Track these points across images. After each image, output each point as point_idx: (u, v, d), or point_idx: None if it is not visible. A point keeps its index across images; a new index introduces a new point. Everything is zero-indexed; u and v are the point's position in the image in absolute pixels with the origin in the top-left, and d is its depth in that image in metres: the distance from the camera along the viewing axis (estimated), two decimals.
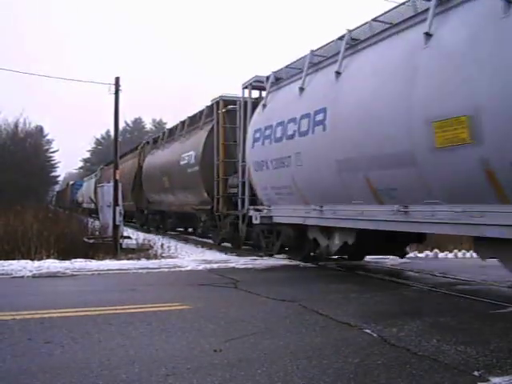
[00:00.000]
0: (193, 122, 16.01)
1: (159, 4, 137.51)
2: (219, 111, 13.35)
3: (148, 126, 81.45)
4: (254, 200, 11.22)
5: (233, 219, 12.62)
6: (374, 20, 7.58)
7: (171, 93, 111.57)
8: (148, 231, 20.13)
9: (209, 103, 14.27)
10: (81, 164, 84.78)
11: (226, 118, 13.18)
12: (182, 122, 17.09)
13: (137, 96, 59.49)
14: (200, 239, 16.33)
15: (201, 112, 15.16)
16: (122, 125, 50.43)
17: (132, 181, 22.68)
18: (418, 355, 3.82)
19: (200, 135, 14.52)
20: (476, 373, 3.42)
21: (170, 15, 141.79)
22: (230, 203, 12.85)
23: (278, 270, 9.21)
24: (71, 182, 54.86)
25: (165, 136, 19.37)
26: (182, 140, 16.54)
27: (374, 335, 4.40)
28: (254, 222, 10.55)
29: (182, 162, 15.40)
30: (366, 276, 8.21)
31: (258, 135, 10.33)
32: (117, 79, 12.57)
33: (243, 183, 11.73)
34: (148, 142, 22.77)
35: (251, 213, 10.84)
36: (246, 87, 12.13)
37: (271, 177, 9.81)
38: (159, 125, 72.89)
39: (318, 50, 9.02)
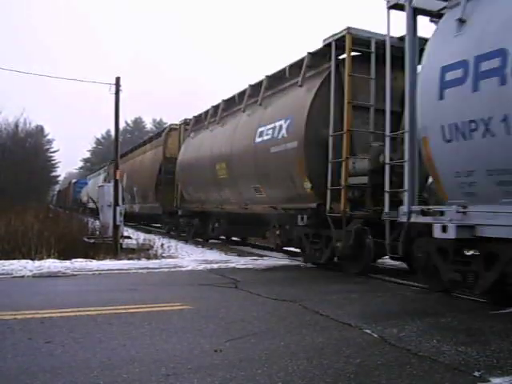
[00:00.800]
0: (277, 81, 10.74)
1: (159, 4, 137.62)
2: (345, 54, 8.57)
3: (148, 125, 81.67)
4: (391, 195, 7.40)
5: (359, 226, 8.14)
6: None
7: (172, 93, 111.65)
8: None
9: (319, 45, 9.15)
10: (81, 164, 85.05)
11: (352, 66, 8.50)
12: (255, 85, 11.61)
13: (137, 96, 59.48)
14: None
15: (295, 65, 9.96)
16: (122, 125, 50.54)
17: (155, 176, 18.35)
18: (419, 355, 3.82)
19: (300, 95, 9.45)
20: (476, 373, 3.42)
21: (169, 15, 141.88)
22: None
23: (279, 271, 9.21)
24: (73, 181, 53.03)
25: (219, 110, 13.64)
26: (255, 109, 11.37)
27: (375, 335, 4.40)
28: (439, 235, 6.10)
29: (258, 140, 10.47)
30: (366, 276, 8.20)
31: (456, 75, 5.87)
32: (117, 79, 12.58)
33: (396, 168, 7.38)
34: (174, 127, 17.88)
35: (417, 218, 6.63)
36: (393, 6, 7.23)
37: (494, 150, 5.45)
38: (159, 125, 72.96)
39: None
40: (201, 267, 9.33)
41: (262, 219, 11.89)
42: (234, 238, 16.10)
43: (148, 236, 14.73)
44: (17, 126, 43.58)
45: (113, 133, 16.11)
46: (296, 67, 9.85)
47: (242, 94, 12.39)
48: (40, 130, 55.61)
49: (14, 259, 9.29)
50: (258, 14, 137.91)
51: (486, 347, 4.01)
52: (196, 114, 15.87)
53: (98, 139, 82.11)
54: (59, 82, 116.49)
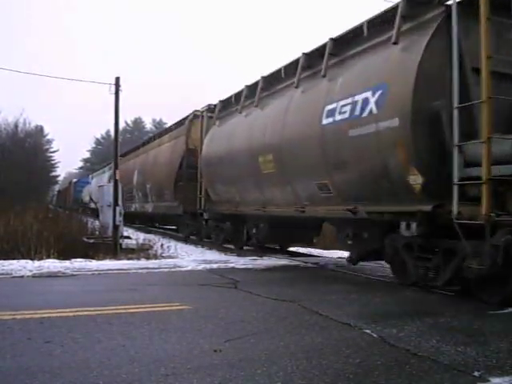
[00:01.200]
0: (347, 45, 8.28)
1: (159, 4, 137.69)
2: None
3: (148, 125, 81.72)
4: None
5: (509, 238, 5.66)
6: None
7: (172, 93, 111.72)
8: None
9: None
10: (81, 164, 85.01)
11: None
12: (312, 53, 9.10)
13: (137, 96, 59.46)
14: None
15: (376, 19, 7.64)
16: (122, 125, 50.37)
17: (175, 171, 15.92)
18: (418, 356, 3.81)
19: (396, 55, 7.01)
20: (476, 373, 3.42)
21: (169, 15, 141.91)
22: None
23: (278, 271, 9.21)
24: (74, 180, 51.57)
25: (257, 89, 10.89)
26: (315, 83, 8.80)
27: (374, 335, 4.40)
28: None
29: (326, 121, 7.95)
30: (366, 276, 8.21)
31: None
32: (117, 79, 12.61)
33: None
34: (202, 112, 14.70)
35: None
36: None
37: None
38: (159, 125, 73.02)
39: None
40: (200, 267, 9.33)
41: (311, 223, 10.14)
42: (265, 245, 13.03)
43: (148, 236, 14.74)
44: (16, 126, 43.62)
45: (112, 133, 16.06)
46: (379, 22, 7.56)
47: (291, 65, 9.71)
48: (40, 130, 55.66)
49: (13, 259, 9.30)
50: (257, 14, 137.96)
51: (485, 347, 4.01)
52: (223, 98, 13.21)
53: (97, 139, 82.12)
54: (59, 82, 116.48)
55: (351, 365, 3.60)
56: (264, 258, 10.86)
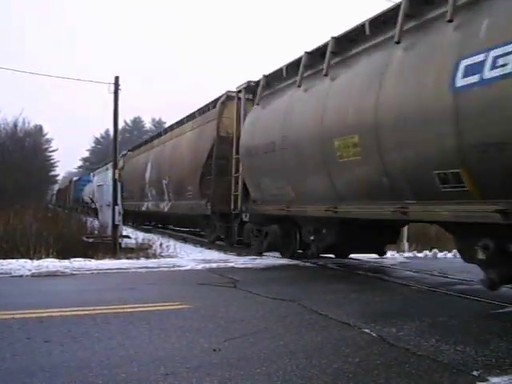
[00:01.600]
0: None
1: (160, 3, 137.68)
2: None
3: (147, 125, 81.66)
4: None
5: None
6: None
7: (171, 93, 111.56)
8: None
9: None
10: (80, 163, 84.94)
11: None
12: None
13: (136, 96, 59.45)
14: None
15: None
16: (121, 124, 50.36)
17: (201, 165, 13.31)
18: (417, 355, 3.82)
19: None
20: (475, 372, 3.43)
21: (170, 15, 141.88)
22: None
23: (278, 270, 9.21)
24: (75, 178, 50.16)
25: (326, 54, 8.31)
26: (433, 31, 6.27)
27: (374, 335, 4.40)
28: None
29: (464, 82, 5.43)
30: (366, 276, 8.21)
31: None
32: (116, 79, 12.61)
33: None
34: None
35: None
36: None
37: None
38: (159, 124, 72.99)
39: None
40: (200, 266, 9.33)
41: (389, 226, 8.31)
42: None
43: (147, 235, 14.73)
44: (16, 125, 43.50)
45: (112, 132, 16.04)
46: None
47: (381, 18, 7.36)
48: (39, 129, 55.48)
49: (12, 258, 9.28)
50: (257, 14, 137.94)
51: (484, 346, 4.02)
52: (268, 72, 10.57)
53: (96, 138, 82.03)
54: (59, 82, 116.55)
55: (351, 364, 3.60)
56: (263, 257, 10.86)
